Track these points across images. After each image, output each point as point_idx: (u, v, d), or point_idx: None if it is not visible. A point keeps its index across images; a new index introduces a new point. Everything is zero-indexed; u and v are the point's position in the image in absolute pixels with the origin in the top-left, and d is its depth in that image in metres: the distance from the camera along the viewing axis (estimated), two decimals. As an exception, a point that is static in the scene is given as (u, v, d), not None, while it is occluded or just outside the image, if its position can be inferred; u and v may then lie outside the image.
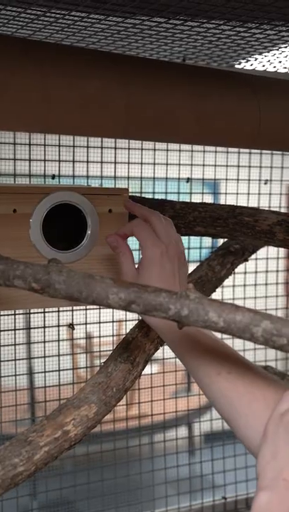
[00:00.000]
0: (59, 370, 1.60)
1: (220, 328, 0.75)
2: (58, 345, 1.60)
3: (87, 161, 1.50)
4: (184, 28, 1.11)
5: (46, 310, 1.55)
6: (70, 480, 1.75)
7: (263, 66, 1.51)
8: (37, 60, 0.78)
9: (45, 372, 1.60)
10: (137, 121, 0.87)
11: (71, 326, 1.51)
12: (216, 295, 1.35)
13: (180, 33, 1.15)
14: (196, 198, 1.73)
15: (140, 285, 0.78)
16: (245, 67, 1.53)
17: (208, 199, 1.75)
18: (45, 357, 1.59)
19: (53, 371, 1.60)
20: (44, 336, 1.57)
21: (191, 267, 1.37)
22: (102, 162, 1.53)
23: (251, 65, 1.50)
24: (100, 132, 0.88)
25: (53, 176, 1.45)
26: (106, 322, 1.67)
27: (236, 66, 1.53)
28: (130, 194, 1.14)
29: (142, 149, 1.58)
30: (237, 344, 1.87)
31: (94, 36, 1.18)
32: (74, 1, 0.90)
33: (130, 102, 0.84)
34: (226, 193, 1.77)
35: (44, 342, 1.57)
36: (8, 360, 1.54)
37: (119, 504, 1.78)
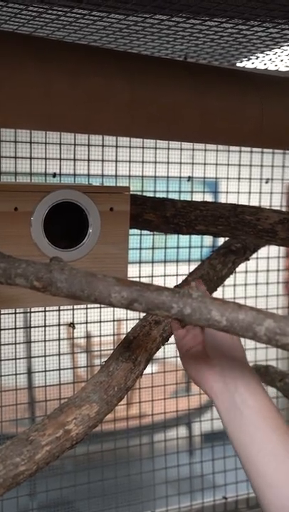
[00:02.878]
0: (59, 370, 1.59)
1: (222, 327, 0.75)
2: (59, 345, 1.59)
3: (88, 160, 1.50)
4: (186, 25, 1.10)
5: (46, 309, 1.54)
6: (70, 479, 1.74)
7: (265, 65, 1.50)
8: (39, 57, 0.77)
9: (45, 371, 1.59)
10: (140, 119, 0.86)
11: (72, 325, 1.51)
12: (217, 294, 1.35)
13: (182, 30, 1.14)
14: (197, 197, 1.73)
15: (142, 283, 0.78)
16: (246, 66, 1.53)
17: (209, 198, 1.74)
18: (45, 356, 1.58)
19: (52, 370, 1.59)
20: (44, 335, 1.57)
21: (192, 266, 1.37)
22: (103, 160, 1.53)
23: (252, 63, 1.49)
24: (103, 130, 0.88)
25: (54, 175, 1.45)
26: (106, 321, 1.67)
27: (238, 65, 1.52)
28: (131, 193, 1.13)
29: (143, 148, 1.57)
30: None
31: (96, 34, 1.18)
32: (76, -2, 0.90)
33: (133, 100, 0.84)
34: (226, 192, 1.76)
35: (44, 341, 1.57)
36: (7, 360, 1.53)
37: (119, 504, 1.78)
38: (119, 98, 0.83)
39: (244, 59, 1.47)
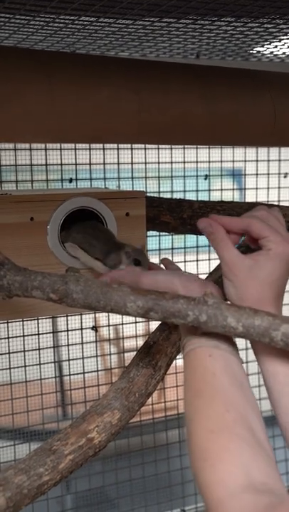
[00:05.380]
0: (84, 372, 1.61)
1: (239, 333, 0.75)
2: (96, 346, 1.61)
3: (104, 163, 1.50)
4: (195, 26, 1.09)
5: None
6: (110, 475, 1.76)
7: (280, 49, 1.46)
8: (45, 71, 0.78)
9: (70, 374, 1.60)
10: (149, 127, 0.86)
11: (94, 329, 1.52)
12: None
13: (192, 31, 1.14)
14: (216, 194, 1.72)
15: (158, 292, 0.78)
16: (263, 58, 1.50)
17: (229, 194, 1.73)
18: (68, 359, 1.59)
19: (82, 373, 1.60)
20: (67, 339, 1.58)
21: (213, 265, 1.36)
22: (118, 163, 1.53)
23: (271, 52, 1.45)
24: (113, 139, 0.88)
25: (70, 180, 1.45)
26: (138, 322, 1.67)
27: (253, 57, 1.50)
28: (148, 195, 1.13)
29: (158, 148, 1.57)
30: (239, 343, 1.84)
31: (105, 38, 1.18)
32: (82, 7, 0.90)
33: (141, 108, 0.83)
34: (245, 188, 1.75)
35: (67, 344, 1.58)
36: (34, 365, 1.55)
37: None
38: (127, 107, 0.83)
39: (258, 47, 1.43)
